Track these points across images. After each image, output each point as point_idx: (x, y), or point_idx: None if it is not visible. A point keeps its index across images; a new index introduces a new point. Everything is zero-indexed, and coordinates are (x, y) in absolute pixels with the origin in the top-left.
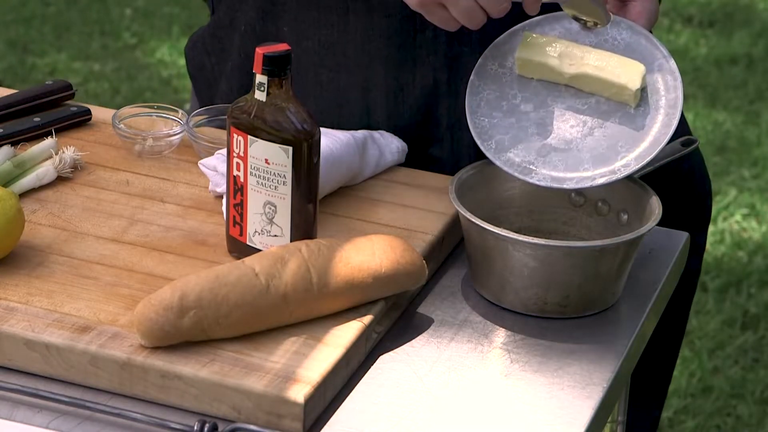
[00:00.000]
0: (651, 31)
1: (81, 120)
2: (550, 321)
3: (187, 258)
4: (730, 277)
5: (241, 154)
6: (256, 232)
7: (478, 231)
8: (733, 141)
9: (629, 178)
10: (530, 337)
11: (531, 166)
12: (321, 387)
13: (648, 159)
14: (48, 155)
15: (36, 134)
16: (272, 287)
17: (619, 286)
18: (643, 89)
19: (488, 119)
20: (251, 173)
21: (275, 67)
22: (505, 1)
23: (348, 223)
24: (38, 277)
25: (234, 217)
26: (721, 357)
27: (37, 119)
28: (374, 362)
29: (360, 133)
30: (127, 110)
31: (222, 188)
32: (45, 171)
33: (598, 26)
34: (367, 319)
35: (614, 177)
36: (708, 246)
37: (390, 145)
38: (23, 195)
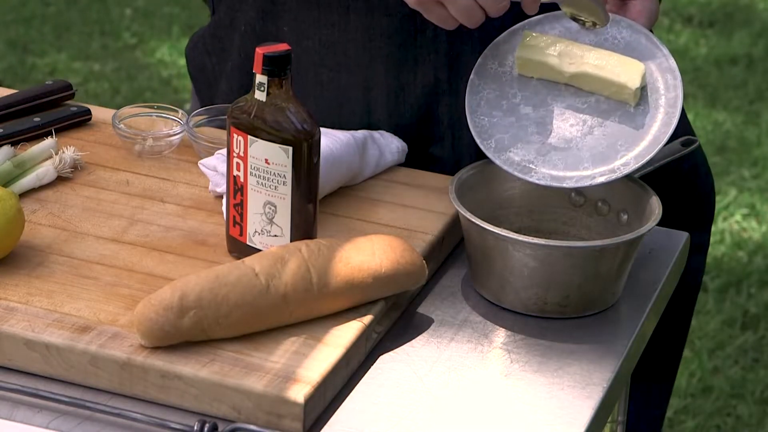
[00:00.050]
0: (651, 30)
1: (81, 120)
2: (550, 321)
3: (187, 258)
4: (730, 277)
5: (241, 154)
6: (256, 232)
7: (478, 231)
8: (733, 141)
9: (629, 177)
10: (530, 337)
11: (531, 165)
12: (321, 387)
13: (648, 158)
14: (48, 155)
15: (36, 134)
16: (272, 287)
17: (619, 286)
18: (643, 88)
19: (488, 118)
20: (251, 173)
21: (275, 67)
22: (503, 0)
23: (348, 223)
24: (38, 277)
25: (234, 217)
26: (721, 357)
27: (37, 119)
28: (374, 362)
29: (360, 133)
30: (127, 110)
31: (222, 188)
32: (45, 171)
33: (597, 26)
34: (367, 319)
35: (614, 176)
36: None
37: (390, 145)
38: (23, 195)
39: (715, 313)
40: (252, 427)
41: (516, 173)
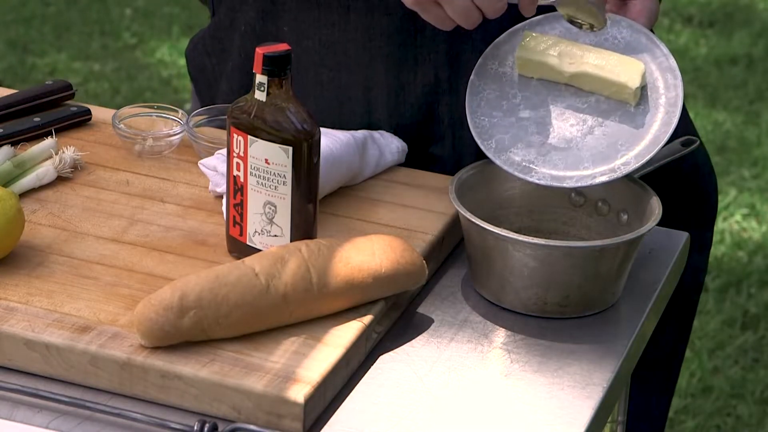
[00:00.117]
0: (652, 30)
1: (81, 120)
2: (550, 321)
3: (187, 258)
4: (730, 277)
5: (241, 154)
6: (256, 232)
7: (478, 231)
8: (733, 141)
9: (629, 177)
10: (530, 337)
11: (531, 165)
12: (321, 387)
13: (648, 157)
14: (48, 155)
15: (36, 134)
16: (272, 287)
17: (619, 286)
18: (643, 88)
19: (488, 119)
20: (251, 173)
21: (275, 67)
22: (500, 1)
23: (348, 223)
24: (38, 277)
25: (234, 217)
26: (721, 357)
27: (37, 119)
28: (374, 362)
29: (360, 133)
30: (127, 110)
31: (222, 188)
32: (45, 171)
33: (595, 29)
34: (367, 319)
35: (614, 175)
36: None
37: (390, 145)
38: (23, 195)
39: (715, 313)
40: (252, 427)
41: (516, 173)
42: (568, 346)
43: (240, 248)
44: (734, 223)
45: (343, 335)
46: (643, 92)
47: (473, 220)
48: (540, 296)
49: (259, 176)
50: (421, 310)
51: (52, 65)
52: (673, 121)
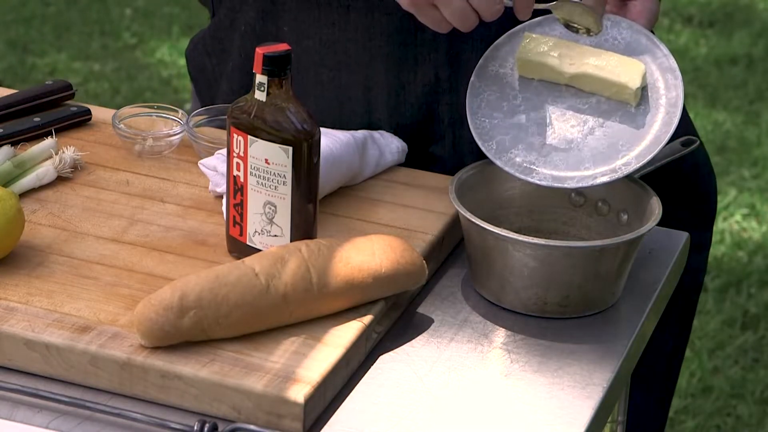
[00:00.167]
0: (652, 31)
1: (81, 120)
2: (550, 321)
3: (187, 258)
4: (730, 277)
5: (241, 154)
6: (256, 232)
7: (478, 231)
8: (733, 141)
9: (629, 177)
10: (530, 337)
11: (532, 166)
12: (321, 387)
13: (649, 157)
14: (48, 155)
15: (36, 134)
16: (272, 287)
17: (619, 286)
18: (643, 88)
19: (489, 120)
20: (251, 173)
21: (275, 67)
22: (497, 4)
23: (348, 223)
24: (38, 277)
25: (234, 217)
26: (721, 357)
27: (37, 119)
28: (374, 362)
29: (360, 133)
30: (127, 110)
31: (222, 188)
32: (45, 171)
33: (591, 33)
34: (367, 319)
35: (615, 176)
36: None
37: (390, 145)
38: (23, 195)
39: (715, 313)
40: (252, 427)
41: (517, 174)
42: (568, 346)
43: (240, 248)
44: (734, 223)
45: (343, 335)
46: (643, 93)
47: (473, 220)
48: (540, 296)
49: (259, 176)
50: (421, 310)
51: (52, 65)
52: (673, 122)
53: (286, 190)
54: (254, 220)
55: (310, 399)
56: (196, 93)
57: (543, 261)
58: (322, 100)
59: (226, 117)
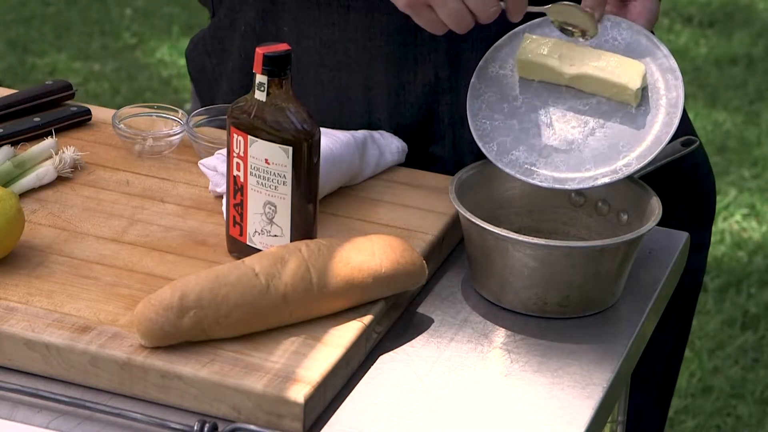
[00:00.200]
0: (652, 31)
1: (81, 120)
2: (550, 321)
3: (187, 258)
4: (730, 277)
5: (241, 154)
6: (256, 232)
7: (478, 231)
8: (733, 141)
9: (630, 177)
10: (530, 337)
11: (533, 168)
12: (321, 387)
13: (649, 158)
14: (48, 155)
15: (36, 134)
16: (272, 287)
17: (619, 286)
18: (644, 89)
19: (489, 121)
20: (251, 173)
21: (275, 67)
22: (494, 6)
23: (348, 223)
24: (38, 277)
25: (234, 217)
26: (721, 357)
27: (37, 119)
28: (374, 362)
29: (360, 133)
30: (127, 110)
31: (222, 188)
32: (45, 171)
33: (586, 37)
34: (367, 319)
35: (616, 177)
36: None
37: (390, 145)
38: (23, 195)
39: (715, 313)
40: (252, 427)
41: (518, 176)
42: (568, 346)
43: (240, 248)
44: (734, 223)
45: (343, 335)
46: (644, 93)
47: (473, 220)
48: (540, 296)
49: (259, 176)
50: (421, 310)
51: (52, 65)
52: (674, 122)
53: (286, 190)
54: (254, 220)
55: (310, 399)
56: (196, 93)
57: (543, 261)
58: (323, 100)
59: (226, 117)
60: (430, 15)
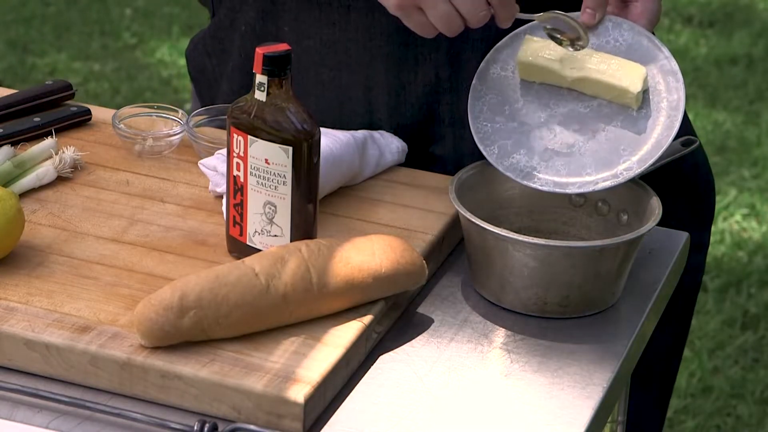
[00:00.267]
0: (653, 32)
1: (81, 120)
2: (550, 321)
3: (187, 258)
4: (730, 277)
5: (241, 154)
6: (256, 232)
7: (478, 231)
8: (733, 141)
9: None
10: (530, 337)
11: (534, 172)
12: (321, 387)
13: (650, 161)
14: (48, 155)
15: (36, 134)
16: (272, 287)
17: (619, 286)
18: (645, 91)
19: (491, 124)
20: (251, 173)
21: (275, 67)
22: (483, 10)
23: (348, 223)
24: (38, 277)
25: (234, 217)
26: (721, 357)
27: (37, 119)
28: (374, 362)
29: (360, 133)
30: (127, 110)
31: (222, 188)
32: (45, 171)
33: (577, 46)
34: (367, 319)
35: (617, 180)
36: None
37: (390, 145)
38: (23, 195)
39: (715, 313)
40: (252, 427)
41: (519, 180)
42: (568, 346)
43: (240, 248)
44: (734, 223)
45: (343, 335)
46: (645, 96)
47: (473, 220)
48: (540, 296)
49: (259, 176)
50: (421, 310)
51: (52, 65)
52: (675, 125)
53: (286, 190)
54: (254, 220)
55: (310, 399)
56: (196, 93)
57: (543, 261)
58: (323, 100)
59: (226, 117)
60: (420, 17)
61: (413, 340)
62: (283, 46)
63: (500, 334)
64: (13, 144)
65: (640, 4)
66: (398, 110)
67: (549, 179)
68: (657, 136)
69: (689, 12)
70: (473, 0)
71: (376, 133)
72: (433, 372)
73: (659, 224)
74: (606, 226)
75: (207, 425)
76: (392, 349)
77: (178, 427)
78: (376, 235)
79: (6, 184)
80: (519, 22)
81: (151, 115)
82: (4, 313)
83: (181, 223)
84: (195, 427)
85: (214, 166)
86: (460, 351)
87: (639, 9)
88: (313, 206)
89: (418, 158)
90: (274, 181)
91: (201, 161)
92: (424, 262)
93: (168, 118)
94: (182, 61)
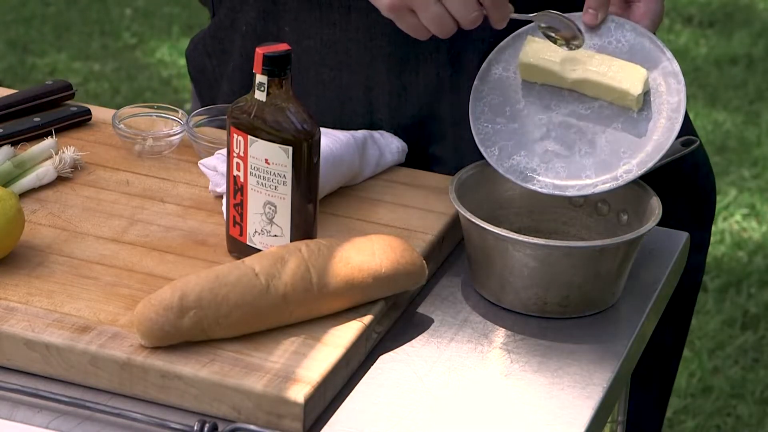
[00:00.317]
0: (655, 33)
1: (81, 120)
2: (550, 321)
3: (187, 258)
4: (730, 277)
5: (241, 154)
6: (256, 232)
7: (478, 231)
8: (733, 141)
9: None
10: (530, 337)
11: (533, 174)
12: (321, 387)
13: (650, 164)
14: (48, 155)
15: (36, 134)
16: (272, 287)
17: (619, 286)
18: (645, 93)
19: (491, 125)
20: (251, 173)
21: (275, 67)
22: (474, 11)
23: (348, 223)
24: (38, 277)
25: (234, 217)
26: (721, 357)
27: (37, 119)
28: (374, 362)
29: (360, 133)
30: (127, 110)
31: (222, 188)
32: (45, 171)
33: (572, 46)
34: (367, 319)
35: (616, 183)
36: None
37: (390, 145)
38: (23, 195)
39: (715, 313)
40: (252, 427)
41: (519, 182)
42: (568, 346)
43: (240, 248)
44: (734, 223)
45: (343, 335)
46: (646, 98)
47: (473, 220)
48: (540, 296)
49: (259, 176)
50: (421, 310)
51: (52, 65)
52: (675, 128)
53: (286, 190)
54: (254, 220)
55: (310, 399)
56: (196, 93)
57: (543, 261)
58: (323, 100)
59: (226, 117)
60: (412, 19)
61: (413, 340)
62: (283, 46)
63: (500, 334)
64: (13, 144)
65: (642, 5)
66: (399, 110)
67: (549, 182)
68: (657, 139)
69: (689, 12)
70: (464, 2)
71: (376, 133)
72: (433, 372)
73: (659, 224)
74: (606, 226)
75: (207, 425)
76: (392, 349)
77: (178, 427)
78: (376, 235)
79: (6, 184)
80: (514, 22)
81: (151, 115)
82: (4, 313)
83: (181, 223)
84: (195, 427)
85: (214, 166)
86: (460, 351)
87: (642, 10)
88: (313, 206)
89: (418, 158)
90: (274, 181)
91: (201, 161)
92: (424, 262)
93: (168, 118)
94: (182, 61)
